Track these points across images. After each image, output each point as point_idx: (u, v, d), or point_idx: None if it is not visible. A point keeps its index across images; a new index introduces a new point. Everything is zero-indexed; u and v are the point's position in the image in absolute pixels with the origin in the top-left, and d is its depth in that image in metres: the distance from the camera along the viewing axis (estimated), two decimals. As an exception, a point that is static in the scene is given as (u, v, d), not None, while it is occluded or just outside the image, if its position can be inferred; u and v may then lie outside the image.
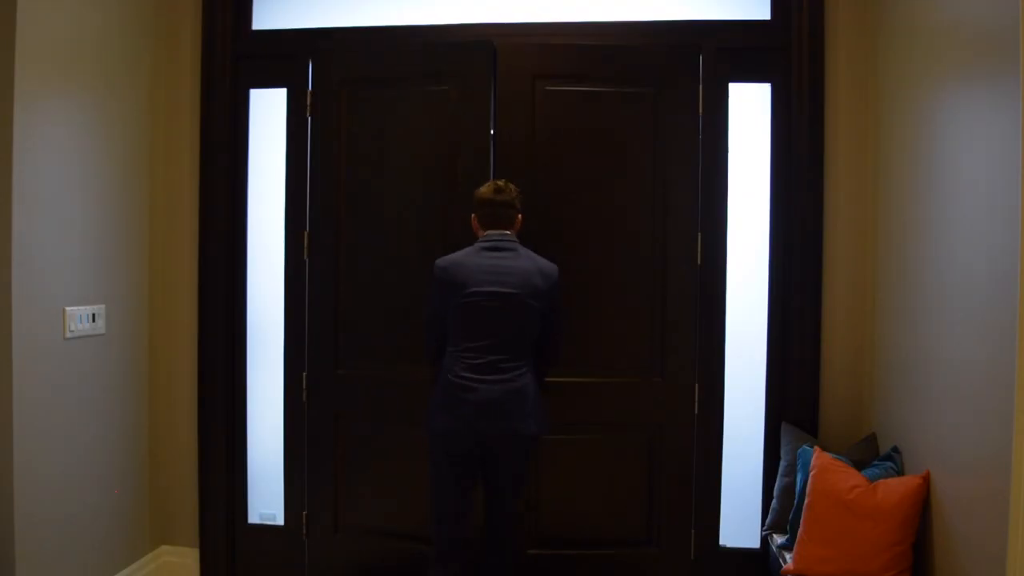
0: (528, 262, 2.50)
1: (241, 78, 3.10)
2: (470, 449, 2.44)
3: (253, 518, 3.17)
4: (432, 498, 2.52)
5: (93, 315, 2.70)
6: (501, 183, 2.56)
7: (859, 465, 2.49)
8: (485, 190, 2.56)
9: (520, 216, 2.58)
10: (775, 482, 2.78)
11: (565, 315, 2.63)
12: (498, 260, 2.47)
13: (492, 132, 2.87)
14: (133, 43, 2.94)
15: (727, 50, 2.89)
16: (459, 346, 2.47)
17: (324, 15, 3.11)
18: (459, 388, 2.41)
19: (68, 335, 2.58)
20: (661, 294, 2.88)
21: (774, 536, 2.67)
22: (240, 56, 3.09)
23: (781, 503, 2.71)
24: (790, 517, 2.55)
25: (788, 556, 2.45)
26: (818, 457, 2.45)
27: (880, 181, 2.77)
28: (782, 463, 2.77)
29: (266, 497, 3.16)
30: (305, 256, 3.04)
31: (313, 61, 3.02)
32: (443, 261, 2.53)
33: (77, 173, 2.64)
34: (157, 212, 3.10)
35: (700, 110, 2.87)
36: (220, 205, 3.08)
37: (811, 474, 2.42)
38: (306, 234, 3.03)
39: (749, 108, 2.93)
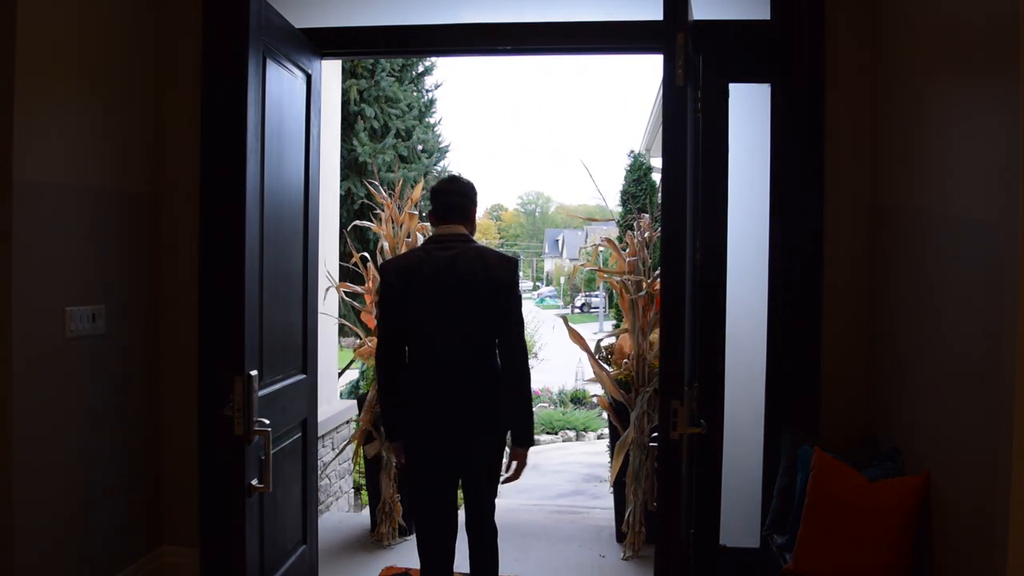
0: (478, 260, 2.37)
1: (241, 78, 3.09)
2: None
3: (253, 518, 3.16)
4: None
5: (93, 315, 2.70)
6: (455, 176, 2.61)
7: (859, 465, 2.48)
8: (439, 182, 2.53)
9: (475, 209, 2.52)
10: (775, 482, 2.78)
11: (521, 322, 2.40)
12: (447, 261, 2.36)
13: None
14: (134, 42, 2.94)
15: (727, 50, 2.89)
16: (416, 364, 2.41)
17: (324, 15, 3.10)
18: (422, 413, 2.39)
19: (68, 335, 2.58)
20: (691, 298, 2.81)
21: (774, 536, 2.67)
22: (240, 56, 3.08)
23: (781, 503, 2.71)
24: (790, 517, 2.55)
25: (788, 556, 2.45)
26: (818, 457, 2.44)
27: (880, 181, 2.76)
28: (782, 463, 2.76)
29: (266, 497, 3.15)
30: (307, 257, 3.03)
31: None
32: (390, 265, 2.44)
33: (77, 173, 2.63)
34: (157, 212, 3.10)
35: (699, 110, 2.87)
36: (221, 205, 3.06)
37: (811, 474, 2.42)
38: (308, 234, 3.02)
39: (749, 108, 2.93)
